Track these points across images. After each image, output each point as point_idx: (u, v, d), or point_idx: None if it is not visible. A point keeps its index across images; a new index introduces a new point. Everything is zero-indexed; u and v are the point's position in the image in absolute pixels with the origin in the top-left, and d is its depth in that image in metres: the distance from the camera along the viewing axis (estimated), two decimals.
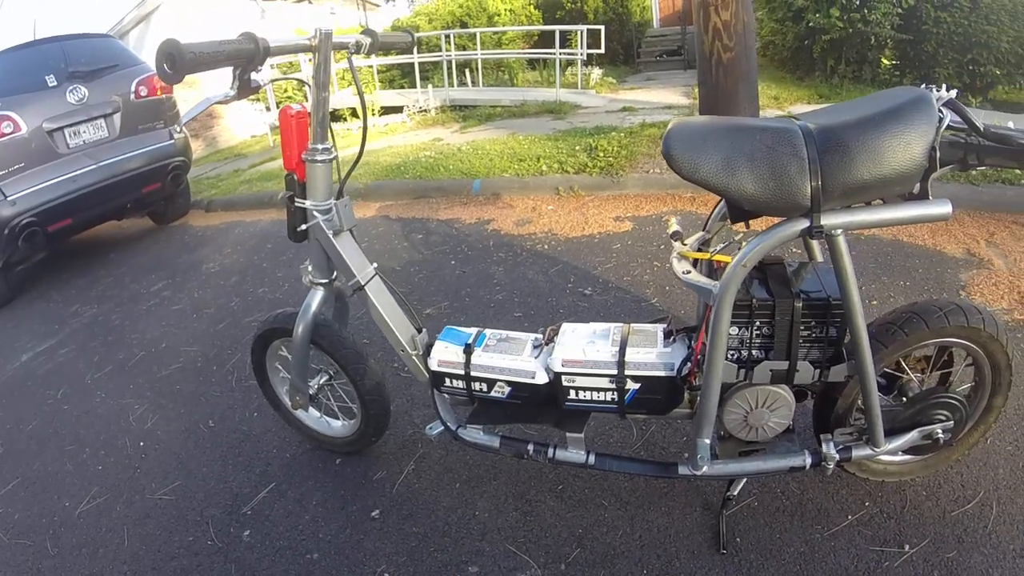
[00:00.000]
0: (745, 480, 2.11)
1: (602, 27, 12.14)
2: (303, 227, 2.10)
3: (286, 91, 13.44)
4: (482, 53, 13.08)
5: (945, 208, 1.51)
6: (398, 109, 12.15)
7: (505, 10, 16.18)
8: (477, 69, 13.28)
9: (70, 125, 5.69)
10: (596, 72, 12.54)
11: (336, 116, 11.82)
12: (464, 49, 13.72)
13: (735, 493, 2.09)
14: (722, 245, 1.93)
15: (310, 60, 1.91)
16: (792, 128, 1.53)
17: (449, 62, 12.78)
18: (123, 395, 3.63)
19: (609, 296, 3.75)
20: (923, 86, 1.54)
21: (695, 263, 1.88)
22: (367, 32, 2.06)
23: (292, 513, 2.50)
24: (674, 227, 2.05)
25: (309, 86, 1.97)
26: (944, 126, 1.47)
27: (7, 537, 2.69)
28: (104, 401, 3.60)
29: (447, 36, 12.97)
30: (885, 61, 9.93)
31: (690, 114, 7.47)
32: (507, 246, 4.76)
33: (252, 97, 2.81)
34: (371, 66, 13.51)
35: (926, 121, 1.43)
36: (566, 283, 4.00)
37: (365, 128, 2.14)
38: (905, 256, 3.74)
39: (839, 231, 1.56)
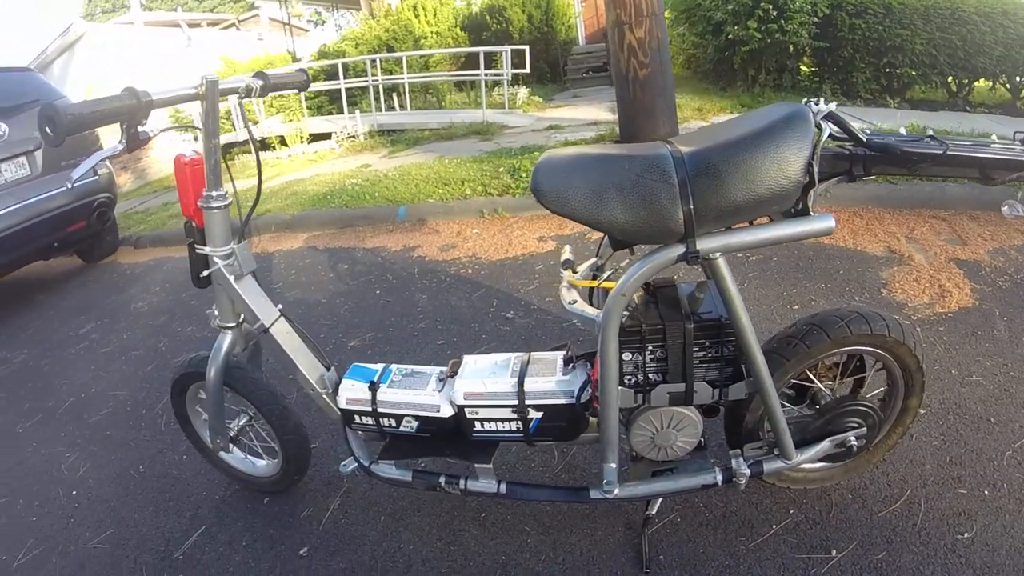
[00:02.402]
0: (661, 499, 2.13)
1: (527, 47, 12.29)
2: (205, 273, 2.09)
3: (228, 118, 13.31)
4: (409, 77, 13.05)
5: (828, 223, 1.53)
6: (327, 136, 12.09)
7: (431, 32, 16.20)
8: (404, 93, 13.24)
9: None
10: (522, 91, 12.62)
11: (265, 144, 11.70)
12: (391, 73, 13.67)
13: (654, 511, 2.11)
14: (610, 272, 1.95)
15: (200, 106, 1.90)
16: (662, 154, 1.54)
17: (376, 87, 12.76)
18: (54, 444, 3.55)
19: (531, 319, 3.77)
20: (804, 101, 1.57)
21: (590, 291, 1.90)
22: (258, 75, 2.07)
23: (223, 556, 2.47)
24: (566, 255, 2.07)
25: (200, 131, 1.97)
26: (823, 139, 1.48)
27: None
28: (36, 451, 3.52)
29: (373, 61, 12.96)
30: (804, 68, 10.26)
31: (614, 130, 7.54)
32: (432, 272, 4.78)
33: (181, 128, 2.79)
34: (299, 93, 13.42)
35: (800, 137, 1.45)
36: (489, 308, 4.02)
37: (259, 168, 2.14)
38: (826, 258, 3.82)
39: (717, 254, 1.58)
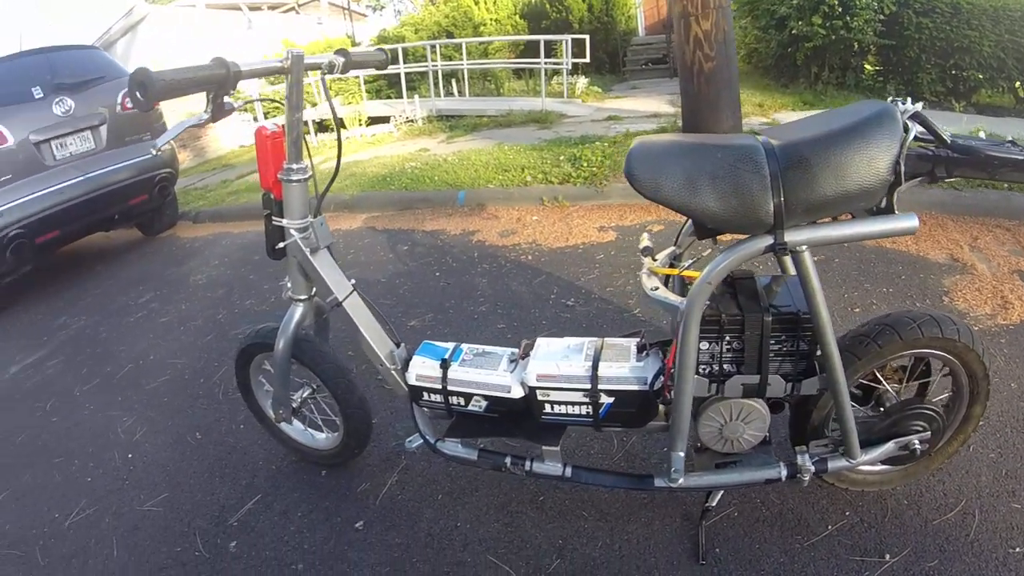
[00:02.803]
0: (723, 491, 2.12)
1: (587, 36, 12.19)
2: (280, 245, 2.12)
3: (274, 103, 13.41)
4: (468, 63, 13.09)
5: (911, 222, 1.52)
6: (385, 119, 12.15)
7: (491, 20, 16.19)
8: (463, 79, 13.28)
9: (57, 137, 5.70)
10: (582, 81, 12.53)
11: (324, 126, 11.79)
12: (450, 59, 13.71)
13: (713, 504, 2.09)
14: (691, 261, 1.94)
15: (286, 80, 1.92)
16: (754, 145, 1.54)
17: (435, 72, 12.79)
18: (111, 407, 3.63)
19: (592, 307, 3.76)
20: (889, 99, 1.55)
21: (666, 279, 1.90)
22: (340, 52, 2.08)
23: (278, 525, 2.51)
24: (645, 243, 2.06)
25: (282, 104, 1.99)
26: (910, 139, 1.47)
27: None
28: (92, 414, 3.60)
29: (433, 46, 12.99)
30: (868, 67, 9.98)
31: (675, 122, 7.47)
32: (491, 257, 4.77)
33: (241, 108, 2.81)
34: (357, 76, 13.51)
35: (889, 135, 1.44)
36: (549, 294, 4.01)
37: (340, 145, 2.16)
38: (888, 262, 3.75)
39: (803, 247, 1.57)
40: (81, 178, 5.75)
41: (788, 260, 1.71)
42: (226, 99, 1.78)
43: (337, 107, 8.69)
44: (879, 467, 2.11)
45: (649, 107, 10.10)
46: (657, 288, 1.83)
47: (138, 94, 1.56)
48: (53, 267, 6.64)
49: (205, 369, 3.84)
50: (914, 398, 2.01)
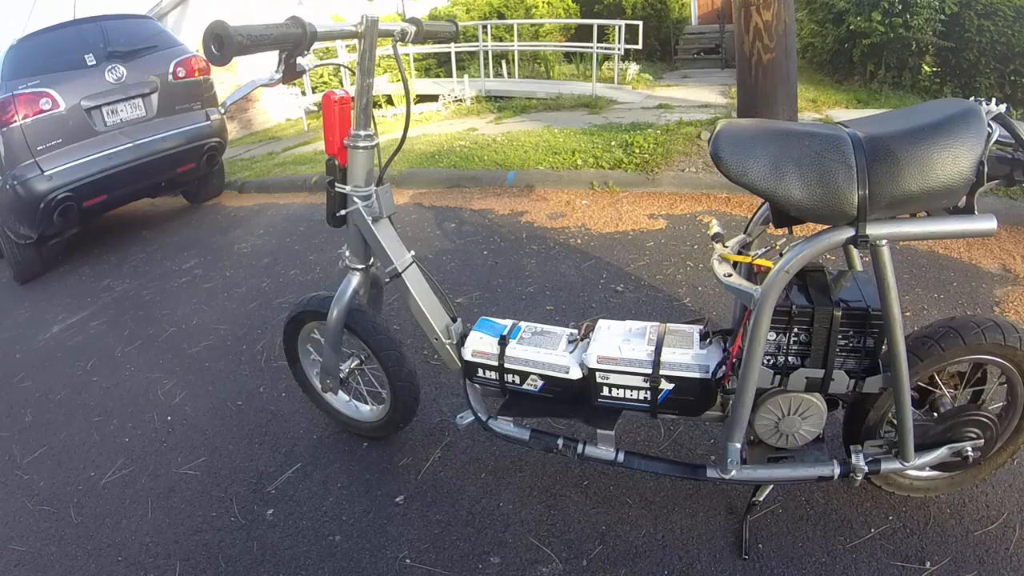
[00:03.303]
0: (771, 486, 2.09)
1: (640, 23, 12.07)
2: (342, 212, 2.12)
3: (322, 76, 13.48)
4: (519, 45, 13.06)
5: (990, 224, 1.49)
6: (433, 98, 12.15)
7: (543, 2, 16.08)
8: (513, 61, 13.23)
9: (108, 104, 5.79)
10: (633, 68, 12.40)
11: (374, 102, 11.84)
12: (501, 40, 13.68)
13: (761, 499, 2.07)
14: (763, 250, 1.91)
15: (348, 48, 1.91)
16: (841, 135, 1.52)
17: (486, 53, 12.78)
18: (152, 370, 3.67)
19: (641, 294, 3.73)
20: (972, 99, 1.52)
21: (735, 266, 1.87)
22: (412, 20, 2.07)
23: (316, 495, 2.51)
24: (715, 229, 2.03)
25: (349, 71, 1.97)
26: (993, 140, 1.45)
27: (31, 503, 2.73)
28: (133, 375, 3.65)
29: (484, 27, 12.95)
30: (926, 68, 9.77)
31: (728, 114, 7.40)
32: (540, 239, 4.75)
33: (311, 70, 2.83)
34: (407, 54, 13.52)
35: (975, 135, 1.42)
36: (598, 279, 3.98)
37: (408, 116, 2.15)
38: (940, 268, 3.69)
39: (883, 241, 1.55)
40: (130, 144, 5.84)
41: (855, 254, 1.71)
42: (299, 60, 1.77)
43: (385, 84, 8.72)
44: (927, 473, 2.09)
45: (700, 97, 10.01)
46: (731, 275, 1.80)
47: (213, 48, 1.55)
48: (100, 231, 6.73)
49: (248, 336, 3.87)
50: (970, 404, 1.98)
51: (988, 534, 2.03)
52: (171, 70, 6.23)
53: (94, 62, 5.76)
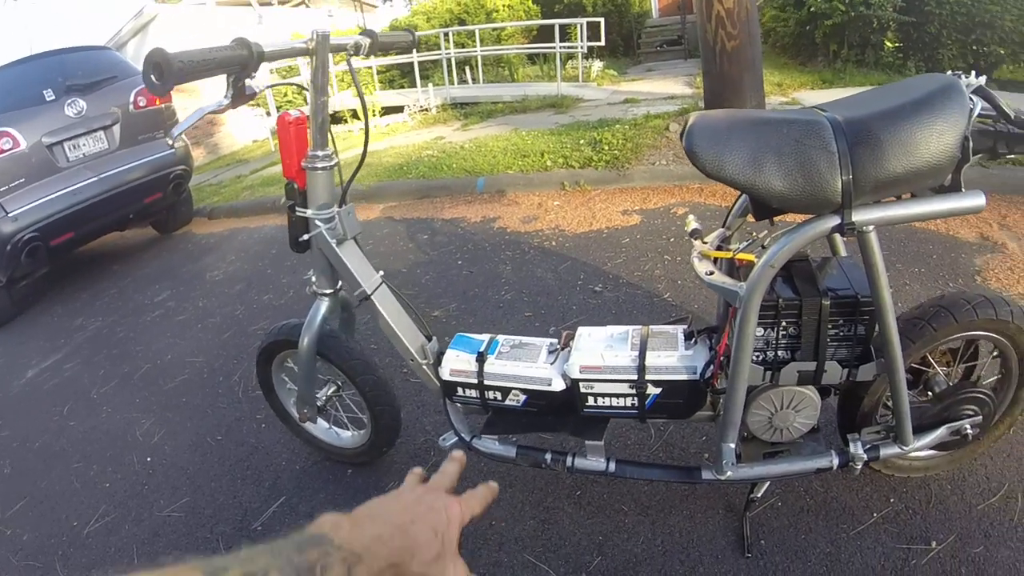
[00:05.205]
0: (769, 482, 2.05)
1: (601, 19, 12.17)
2: (305, 237, 2.04)
3: (286, 95, 13.41)
4: (481, 50, 13.04)
5: (979, 200, 1.46)
6: (399, 109, 12.13)
7: (503, 5, 16.11)
8: (477, 66, 13.27)
9: (69, 139, 5.68)
10: (597, 65, 12.48)
11: (336, 118, 11.82)
12: (463, 47, 13.67)
13: (759, 495, 2.04)
14: (744, 243, 1.86)
15: (309, 64, 1.84)
16: (820, 120, 1.47)
17: (448, 60, 12.74)
18: (129, 409, 3.59)
19: (620, 292, 3.70)
20: (949, 73, 1.49)
21: (716, 262, 1.82)
22: (366, 33, 2.01)
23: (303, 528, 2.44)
24: (693, 225, 1.98)
25: (307, 90, 1.91)
26: (975, 114, 1.41)
27: (16, 559, 2.65)
28: (110, 416, 3.57)
29: (446, 34, 12.90)
30: (888, 44, 9.88)
31: (694, 104, 7.39)
32: (514, 244, 4.72)
33: (251, 102, 2.76)
34: (370, 67, 13.51)
35: (958, 110, 1.38)
36: (576, 280, 3.96)
37: (367, 131, 2.08)
38: (919, 242, 3.70)
39: (870, 227, 1.50)
40: (95, 179, 5.74)
41: (839, 240, 1.67)
42: (248, 83, 1.70)
43: (350, 98, 8.67)
44: (925, 453, 2.07)
45: (666, 89, 10.07)
46: (712, 273, 1.74)
47: (153, 77, 1.47)
48: (70, 268, 6.65)
49: (224, 367, 3.80)
50: (965, 382, 1.98)
51: (991, 507, 2.03)
52: (132, 100, 6.14)
53: (53, 97, 5.67)
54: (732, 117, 1.60)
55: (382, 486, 2.55)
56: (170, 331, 4.51)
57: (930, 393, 1.94)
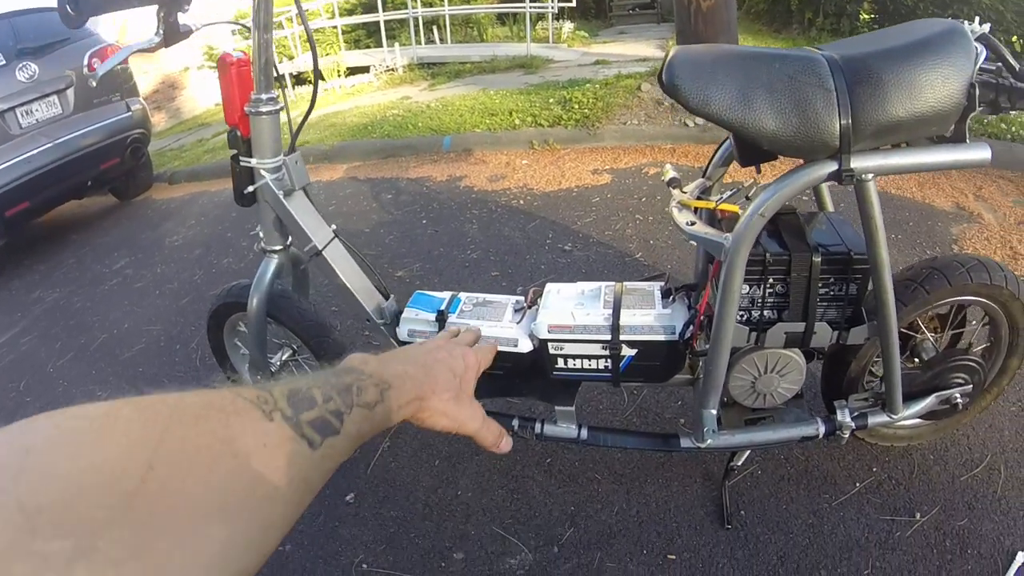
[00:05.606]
0: (750, 450, 1.98)
1: None
2: (250, 189, 1.89)
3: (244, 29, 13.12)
4: (449, 9, 12.83)
5: (984, 153, 1.36)
6: (364, 69, 11.92)
7: None
8: (445, 26, 13.06)
9: (21, 104, 5.44)
10: (567, 26, 12.40)
11: (302, 79, 11.60)
12: (431, 6, 13.46)
13: (739, 463, 1.98)
14: (727, 193, 1.74)
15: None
16: (816, 57, 1.36)
17: (416, 19, 12.57)
18: (86, 382, 3.48)
19: (591, 252, 3.67)
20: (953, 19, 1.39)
21: (696, 212, 1.69)
22: None
23: None
24: (671, 174, 1.87)
25: (243, 28, 1.75)
26: (981, 62, 1.32)
27: None
28: (67, 390, 3.46)
29: None
30: (864, 15, 9.81)
31: None
32: (481, 203, 4.68)
33: (212, 64, 2.59)
34: (335, 27, 13.24)
35: (964, 54, 1.28)
36: (544, 239, 3.92)
37: (316, 71, 1.94)
38: (895, 208, 3.70)
39: (870, 176, 1.39)
40: (49, 145, 5.51)
41: (827, 194, 1.61)
42: (182, 20, 1.55)
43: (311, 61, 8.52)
44: (911, 422, 2.02)
45: (638, 52, 10.01)
46: (694, 223, 1.62)
47: (68, 7, 1.33)
48: (26, 240, 6.45)
49: (181, 335, 3.69)
50: (955, 349, 1.93)
51: (974, 478, 2.01)
52: (86, 62, 5.87)
53: (3, 62, 5.42)
54: (716, 51, 1.46)
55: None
56: (128, 299, 4.39)
57: (917, 360, 1.90)
